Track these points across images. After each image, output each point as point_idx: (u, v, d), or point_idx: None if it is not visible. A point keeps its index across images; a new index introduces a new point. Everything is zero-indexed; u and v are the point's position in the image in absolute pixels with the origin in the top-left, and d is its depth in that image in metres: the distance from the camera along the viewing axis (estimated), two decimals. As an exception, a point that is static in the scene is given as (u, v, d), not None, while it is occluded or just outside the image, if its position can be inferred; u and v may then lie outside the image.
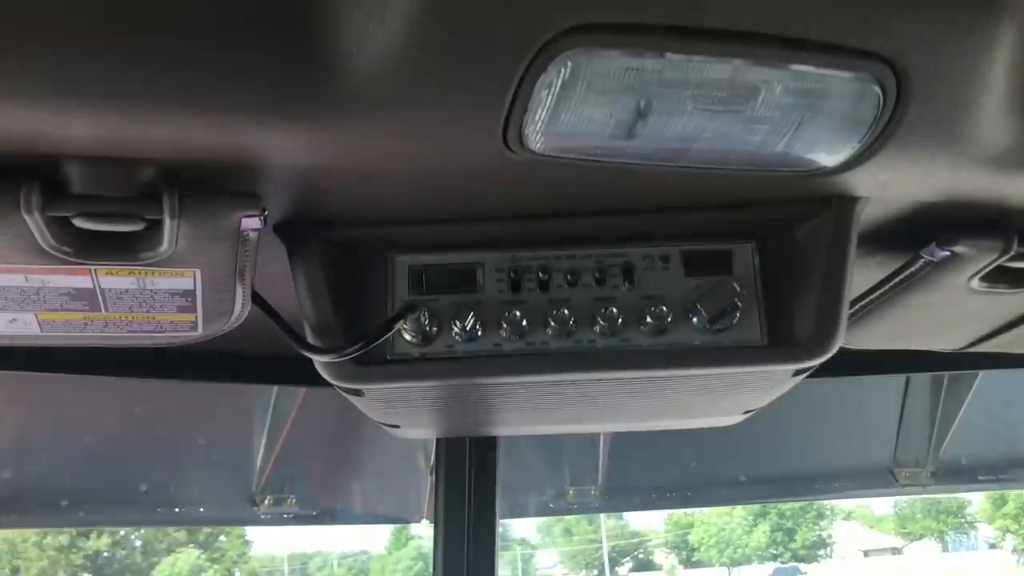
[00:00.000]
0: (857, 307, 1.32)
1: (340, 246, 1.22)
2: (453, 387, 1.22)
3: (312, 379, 1.36)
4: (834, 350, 1.15)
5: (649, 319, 1.19)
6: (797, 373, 1.19)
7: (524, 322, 1.19)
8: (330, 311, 1.17)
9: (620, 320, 1.20)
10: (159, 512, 1.72)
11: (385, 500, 1.95)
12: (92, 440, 1.65)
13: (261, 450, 1.69)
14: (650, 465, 2.04)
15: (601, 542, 78.73)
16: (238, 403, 1.70)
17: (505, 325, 1.19)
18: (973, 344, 1.41)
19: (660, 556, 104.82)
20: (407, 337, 1.21)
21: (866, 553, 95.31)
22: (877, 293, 1.29)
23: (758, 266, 1.24)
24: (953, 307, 1.30)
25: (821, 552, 70.54)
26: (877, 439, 2.10)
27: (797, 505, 66.59)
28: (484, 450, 1.55)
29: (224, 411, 1.72)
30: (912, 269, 1.23)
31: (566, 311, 1.19)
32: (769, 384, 1.25)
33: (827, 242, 1.18)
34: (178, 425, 1.68)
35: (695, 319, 1.21)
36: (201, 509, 1.74)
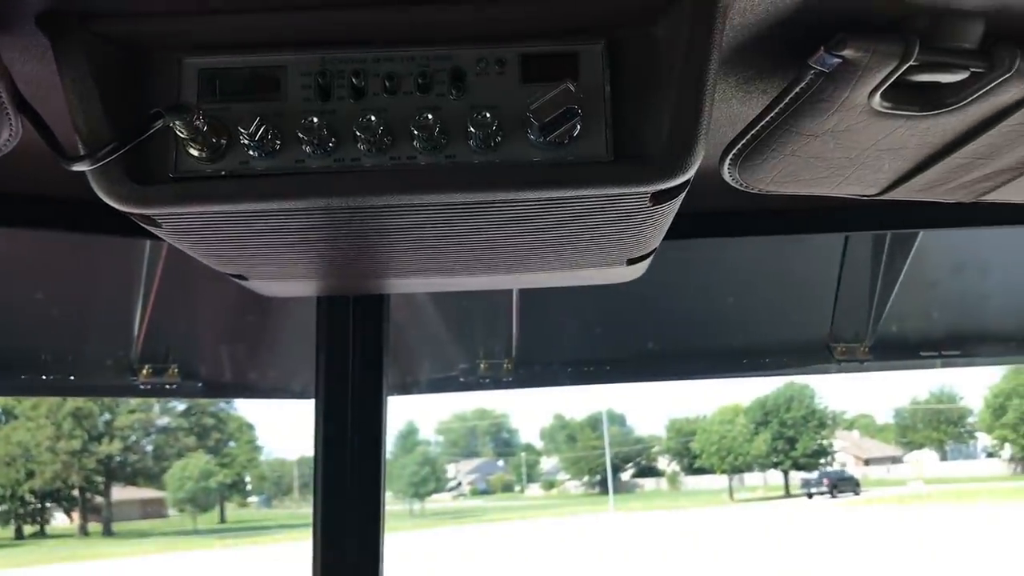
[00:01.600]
0: (748, 136, 1.11)
1: (116, 44, 1.02)
2: (258, 216, 1.03)
3: (128, 225, 1.20)
4: (690, 169, 0.97)
5: (476, 131, 1.01)
6: (656, 199, 0.99)
7: (332, 135, 1.01)
8: (100, 119, 0.98)
9: (444, 132, 1.02)
10: (23, 380, 1.56)
11: (278, 373, 1.77)
12: None
13: (137, 313, 1.53)
14: (565, 339, 1.88)
15: (604, 448, 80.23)
16: (109, 259, 1.54)
17: (306, 137, 1.01)
18: (891, 187, 1.21)
19: (662, 463, 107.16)
20: (193, 151, 1.02)
21: (867, 462, 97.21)
22: (768, 117, 1.08)
23: (607, 71, 1.05)
24: (858, 136, 1.10)
25: (822, 461, 71.82)
26: (815, 312, 1.93)
27: (799, 414, 67.46)
28: (369, 311, 1.34)
29: (95, 268, 1.56)
30: (803, 84, 1.02)
31: (382, 122, 1.00)
32: (628, 216, 1.06)
33: (687, 42, 1.00)
34: (46, 284, 1.52)
35: (529, 132, 1.03)
36: (72, 377, 1.57)
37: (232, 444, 71.93)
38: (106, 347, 1.66)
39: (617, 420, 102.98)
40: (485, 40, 1.03)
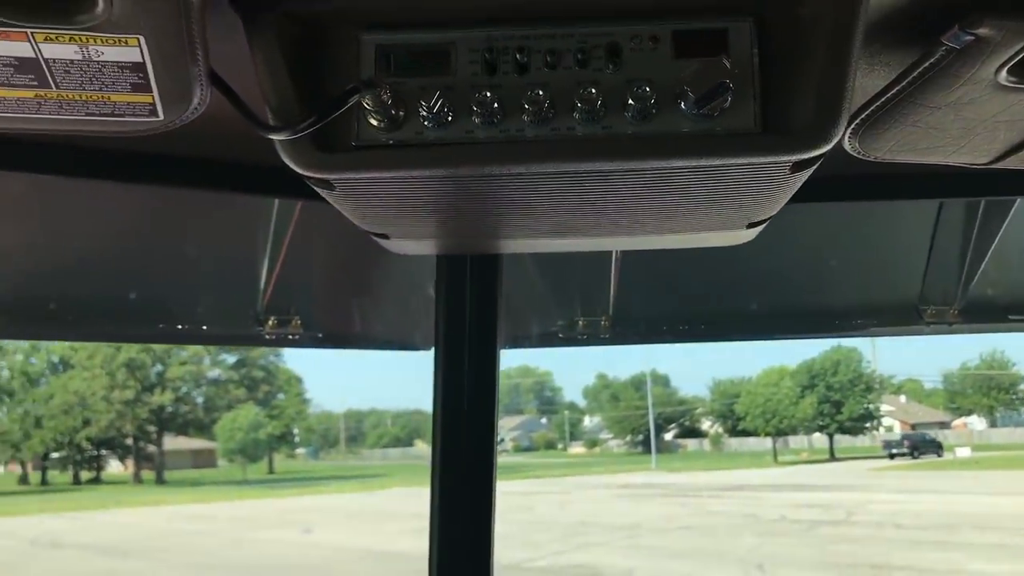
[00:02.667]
0: (873, 107, 1.18)
1: (302, 21, 1.13)
2: (426, 181, 1.15)
3: (288, 188, 1.30)
4: (833, 140, 1.05)
5: (634, 103, 1.09)
6: (795, 168, 1.08)
7: (499, 107, 1.10)
8: (290, 91, 1.10)
9: (603, 105, 1.10)
10: (161, 328, 1.69)
11: (394, 325, 1.89)
12: (89, 251, 1.62)
13: (264, 268, 1.65)
14: (662, 297, 1.95)
15: (647, 409, 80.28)
16: (240, 218, 1.65)
17: (478, 110, 1.11)
18: (1002, 157, 1.28)
19: (706, 424, 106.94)
20: (373, 122, 1.13)
21: (913, 427, 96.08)
22: (894, 90, 1.15)
23: (756, 47, 1.13)
24: (979, 109, 1.17)
25: (867, 425, 71.18)
26: (904, 274, 1.96)
27: (846, 378, 66.84)
28: (485, 269, 1.44)
29: (226, 227, 1.67)
30: (932, 59, 1.10)
31: (540, 94, 1.09)
32: (767, 183, 1.15)
33: (832, 20, 1.07)
34: (180, 240, 1.64)
35: (683, 104, 1.11)
36: (205, 327, 1.71)
37: (281, 396, 73.16)
38: (235, 300, 1.73)
39: (661, 381, 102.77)
40: (639, 18, 1.12)
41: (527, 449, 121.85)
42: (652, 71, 1.13)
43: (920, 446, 61.34)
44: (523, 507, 29.80)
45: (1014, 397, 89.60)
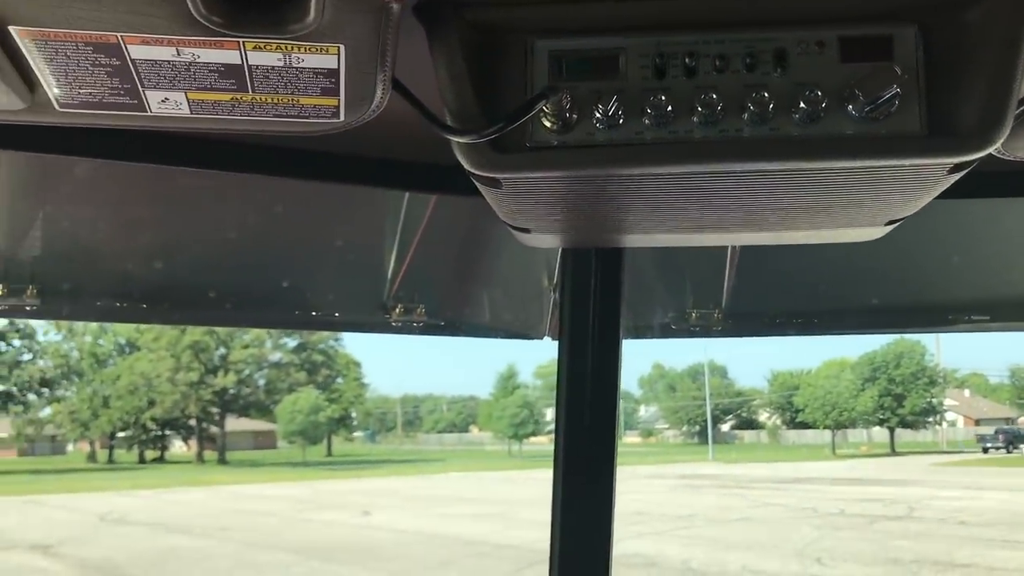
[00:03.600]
0: (1022, 108, 1.17)
1: (479, 28, 1.18)
2: (591, 180, 1.19)
3: (445, 185, 1.38)
4: (998, 142, 1.07)
5: (803, 106, 1.12)
6: (954, 169, 1.12)
7: (669, 109, 1.13)
8: (470, 95, 1.14)
9: (771, 107, 1.13)
10: (297, 315, 1.78)
11: (508, 315, 1.94)
12: (233, 241, 1.70)
13: (393, 259, 1.72)
14: (775, 289, 1.95)
15: (704, 399, 79.73)
16: (370, 211, 1.72)
17: (649, 111, 1.14)
18: None
19: (763, 416, 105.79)
20: (547, 124, 1.17)
21: (977, 422, 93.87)
22: None
23: (921, 52, 1.14)
24: None
25: (930, 419, 69.78)
26: (1019, 270, 1.95)
27: (908, 371, 65.54)
28: (610, 263, 1.49)
29: (358, 218, 1.73)
30: None
31: (714, 97, 1.12)
32: (922, 183, 1.18)
33: (998, 25, 1.09)
34: (315, 231, 1.71)
35: (851, 107, 1.13)
36: (336, 314, 1.80)
37: (340, 380, 74.09)
38: (364, 289, 1.80)
39: (718, 371, 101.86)
40: (806, 23, 1.16)
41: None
42: (819, 75, 1.16)
43: (1015, 440, 60.97)
44: (578, 495, 29.83)
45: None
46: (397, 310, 1.77)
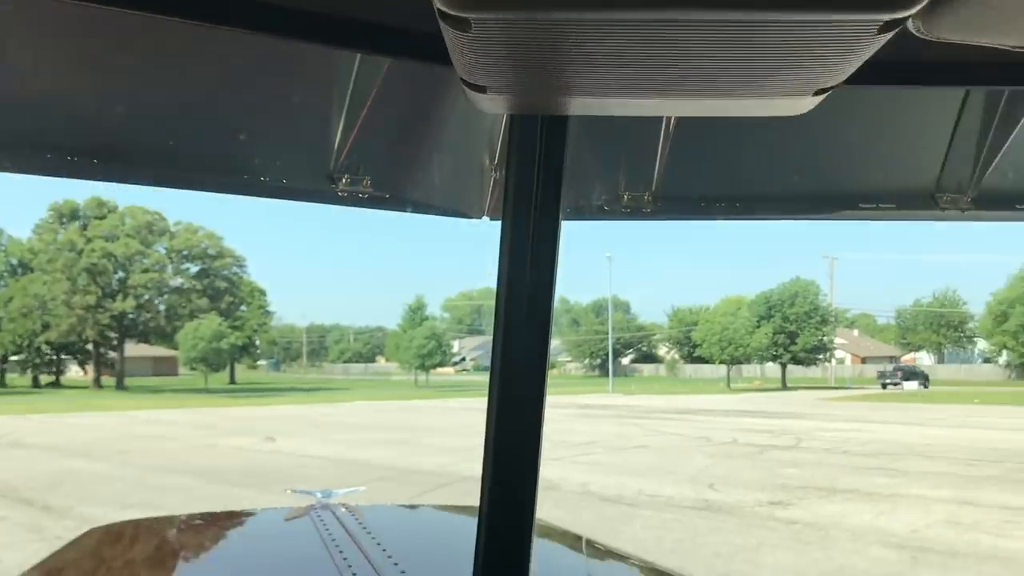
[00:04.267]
0: None
1: None
2: (561, 26, 1.14)
3: (400, 49, 1.34)
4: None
5: None
6: (883, 29, 1.11)
7: None
8: None
9: None
10: (245, 179, 1.70)
11: (451, 194, 1.95)
12: (184, 97, 1.60)
13: (340, 127, 1.67)
14: (703, 174, 2.01)
15: (607, 334, 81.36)
16: (321, 73, 1.67)
17: None
18: None
19: (663, 350, 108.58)
20: None
21: (864, 360, 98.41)
22: None
23: None
24: None
25: (820, 356, 72.81)
26: (923, 161, 2.02)
27: (802, 310, 67.97)
28: (555, 133, 1.48)
29: (305, 83, 1.67)
30: None
31: None
32: (852, 43, 1.17)
33: None
34: (264, 92, 1.64)
35: None
36: (284, 181, 1.75)
37: (244, 308, 72.94)
38: (312, 157, 1.76)
39: (622, 307, 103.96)
40: None
41: (487, 369, 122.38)
42: None
43: (910, 376, 66.07)
44: (482, 423, 30.36)
45: (961, 335, 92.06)
46: (343, 180, 1.75)
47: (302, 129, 1.74)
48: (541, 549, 2.71)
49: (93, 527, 2.85)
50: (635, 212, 1.98)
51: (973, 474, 16.81)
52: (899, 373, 67.84)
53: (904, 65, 1.32)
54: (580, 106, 1.35)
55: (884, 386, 66.44)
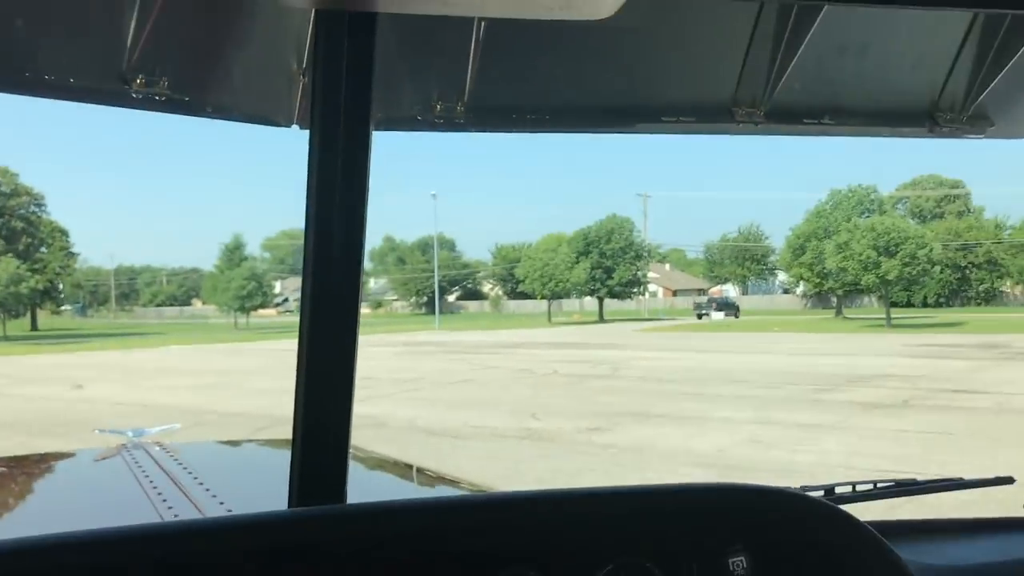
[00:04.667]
0: None
1: None
2: None
3: None
4: None
5: None
6: None
7: None
8: None
9: None
10: (27, 76, 1.53)
11: (257, 99, 1.83)
12: None
13: (134, 21, 1.51)
14: (512, 87, 2.02)
15: (433, 272, 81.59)
16: None
17: None
18: None
19: (487, 287, 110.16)
20: None
21: (675, 293, 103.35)
22: None
23: None
24: None
25: (635, 290, 75.90)
26: (720, 76, 2.09)
27: (618, 246, 70.44)
28: (362, 34, 1.38)
29: None
30: None
31: None
32: None
33: None
34: None
35: None
36: (72, 80, 1.57)
37: (44, 250, 68.29)
38: (102, 55, 1.62)
39: (447, 244, 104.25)
40: None
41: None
42: None
43: (725, 308, 72.34)
44: (307, 364, 29.94)
45: (764, 268, 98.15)
46: (138, 81, 1.61)
47: (91, 21, 1.59)
48: (368, 477, 2.74)
49: None
50: (447, 123, 1.94)
51: (772, 396, 18.13)
52: (713, 305, 73.25)
53: None
54: (385, 4, 1.29)
55: (700, 316, 70.94)
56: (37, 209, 68.49)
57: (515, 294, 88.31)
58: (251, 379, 24.30)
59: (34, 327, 72.73)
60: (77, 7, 1.57)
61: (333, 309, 1.43)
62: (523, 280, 72.16)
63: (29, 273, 59.24)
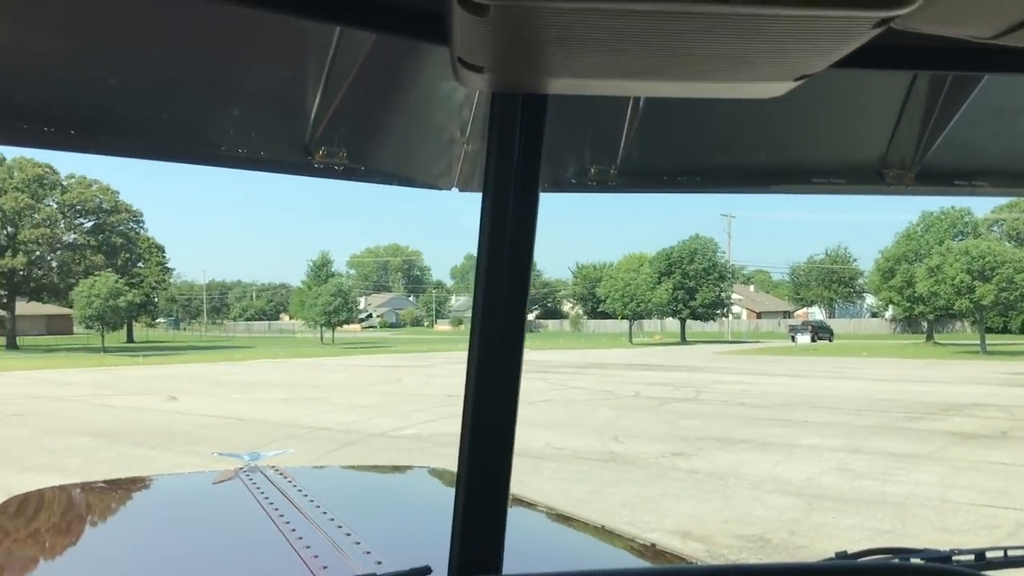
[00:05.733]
0: None
1: None
2: (571, 13, 1.14)
3: (386, 23, 1.37)
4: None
5: None
6: (878, 24, 1.12)
7: None
8: None
9: None
10: (223, 151, 1.73)
11: (422, 165, 1.97)
12: (147, 69, 1.54)
13: (317, 101, 1.66)
14: (664, 151, 2.07)
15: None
16: (296, 48, 1.64)
17: None
18: (1007, 32, 1.38)
19: (567, 306, 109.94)
20: None
21: (759, 315, 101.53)
22: None
23: None
24: None
25: (718, 312, 74.87)
26: (871, 139, 2.13)
27: (701, 266, 69.66)
28: (535, 110, 1.51)
29: (282, 55, 1.64)
30: None
31: None
32: (843, 36, 1.18)
33: None
34: (238, 65, 1.58)
35: None
36: (262, 153, 1.71)
37: (141, 264, 70.72)
38: (288, 129, 1.76)
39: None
40: None
41: (393, 325, 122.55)
42: None
43: (819, 332, 71.89)
44: (390, 380, 30.38)
45: (851, 291, 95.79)
46: (320, 152, 1.76)
47: (279, 101, 1.73)
48: (525, 530, 2.75)
49: (11, 496, 2.82)
50: (601, 185, 2.02)
51: (861, 424, 17.69)
52: (809, 327, 72.49)
53: (860, 49, 1.31)
54: (563, 86, 1.38)
55: (793, 339, 70.53)
56: (135, 225, 71.09)
57: (595, 313, 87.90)
58: (337, 394, 24.76)
59: (130, 339, 75.34)
60: (266, 89, 1.70)
61: (497, 360, 1.53)
62: (604, 299, 71.82)
63: (127, 287, 61.46)
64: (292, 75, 1.68)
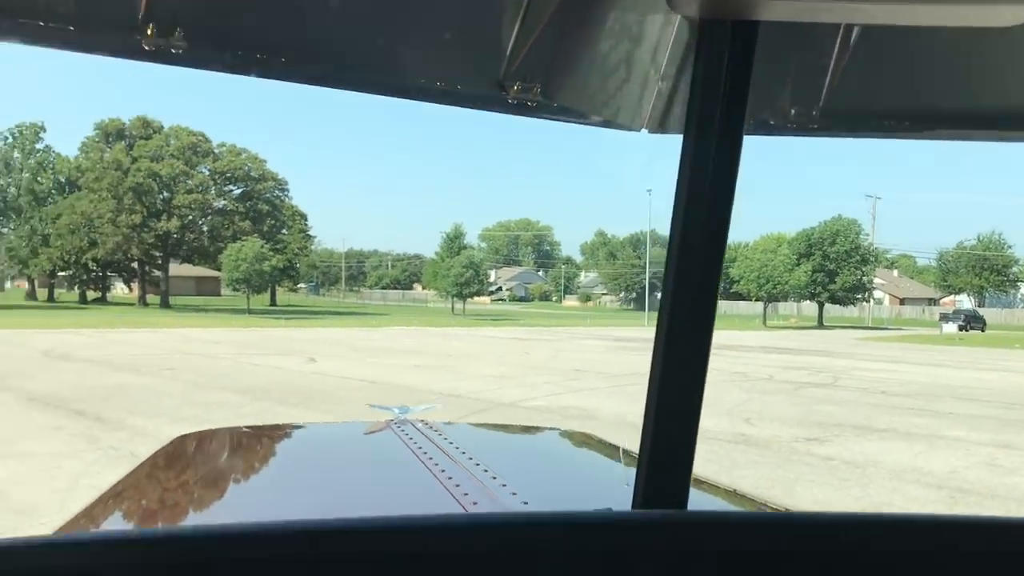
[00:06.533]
0: None
1: None
2: None
3: None
4: None
5: None
6: None
7: None
8: None
9: None
10: (422, 82, 1.72)
11: (613, 105, 1.91)
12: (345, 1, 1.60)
13: (514, 34, 1.63)
14: (872, 91, 1.88)
15: (644, 268, 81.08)
16: None
17: None
18: None
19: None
20: None
21: (902, 301, 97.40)
22: None
23: None
24: None
25: (859, 296, 72.21)
26: None
27: (843, 248, 67.26)
28: (746, 39, 1.40)
29: None
30: None
31: None
32: None
33: None
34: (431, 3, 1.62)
35: None
36: (458, 87, 1.75)
37: (285, 231, 73.57)
38: (483, 63, 1.73)
39: (659, 241, 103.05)
40: None
41: (522, 299, 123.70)
42: None
43: (971, 321, 68.42)
44: (519, 352, 30.67)
45: (1004, 279, 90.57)
46: (515, 87, 1.72)
47: (476, 34, 1.69)
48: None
49: (184, 433, 3.00)
50: (802, 128, 1.90)
51: (1013, 418, 16.77)
52: (962, 316, 69.22)
53: None
54: (777, 11, 1.27)
55: (944, 329, 67.06)
56: (281, 193, 73.90)
57: (728, 294, 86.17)
58: (467, 363, 25.17)
59: (273, 302, 78.67)
60: (466, 21, 1.67)
61: (690, 314, 1.48)
62: (738, 280, 70.31)
63: (272, 252, 64.08)
64: (491, 9, 1.64)
